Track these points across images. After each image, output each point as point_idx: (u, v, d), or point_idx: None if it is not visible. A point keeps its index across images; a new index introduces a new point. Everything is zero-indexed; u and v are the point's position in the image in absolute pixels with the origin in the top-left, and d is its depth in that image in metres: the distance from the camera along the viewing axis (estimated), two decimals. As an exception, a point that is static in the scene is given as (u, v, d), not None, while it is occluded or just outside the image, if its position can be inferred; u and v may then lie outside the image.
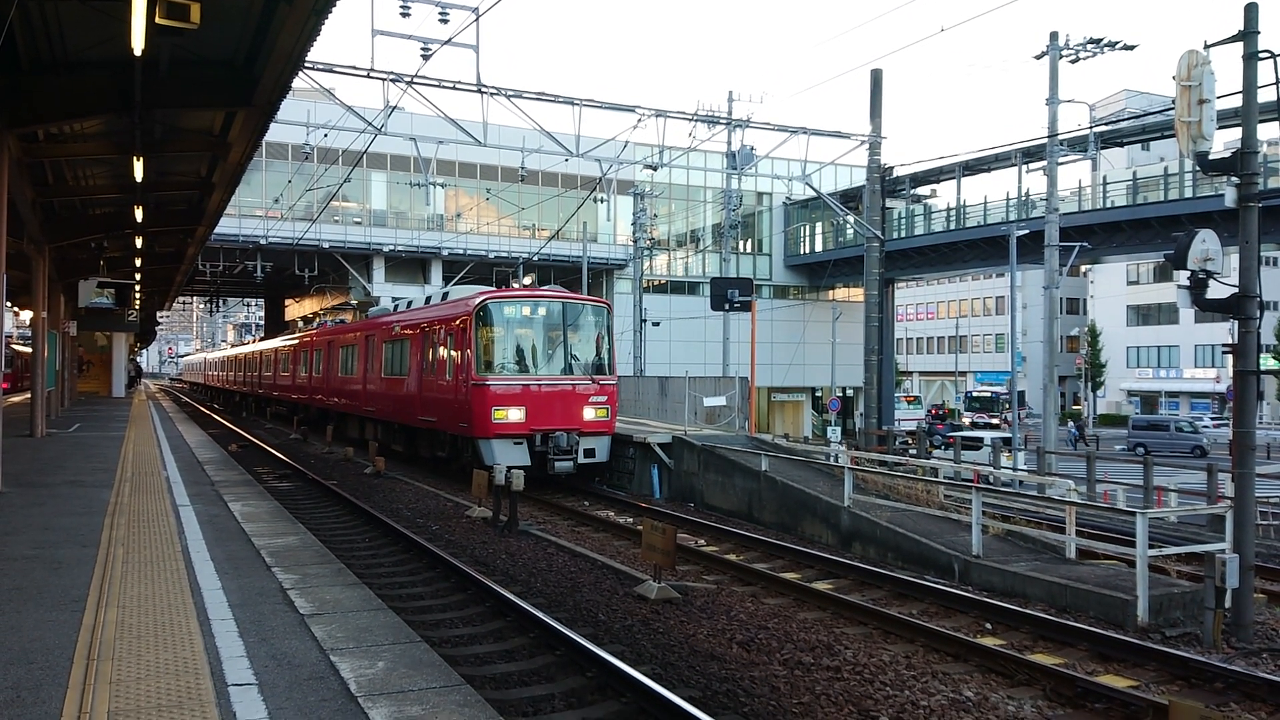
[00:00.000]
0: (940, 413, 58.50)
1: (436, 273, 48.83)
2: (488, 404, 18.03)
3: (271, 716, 4.68)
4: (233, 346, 70.50)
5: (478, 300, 18.85)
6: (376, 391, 25.40)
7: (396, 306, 27.25)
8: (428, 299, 24.34)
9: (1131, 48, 28.25)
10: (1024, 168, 38.79)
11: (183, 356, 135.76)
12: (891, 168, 39.02)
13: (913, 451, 29.68)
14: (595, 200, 40.38)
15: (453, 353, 19.55)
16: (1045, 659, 8.68)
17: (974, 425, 47.10)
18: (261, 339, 56.80)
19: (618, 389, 20.31)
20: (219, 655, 5.62)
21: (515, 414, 18.14)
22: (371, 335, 26.42)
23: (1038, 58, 28.60)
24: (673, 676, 7.83)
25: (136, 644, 5.80)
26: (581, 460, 18.72)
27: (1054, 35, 28.12)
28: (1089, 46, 28.08)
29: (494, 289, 22.13)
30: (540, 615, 8.92)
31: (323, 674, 5.37)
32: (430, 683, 5.30)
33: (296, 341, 38.70)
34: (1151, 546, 10.70)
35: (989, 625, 10.00)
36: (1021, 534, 13.36)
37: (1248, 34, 10.52)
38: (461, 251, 48.78)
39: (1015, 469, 24.79)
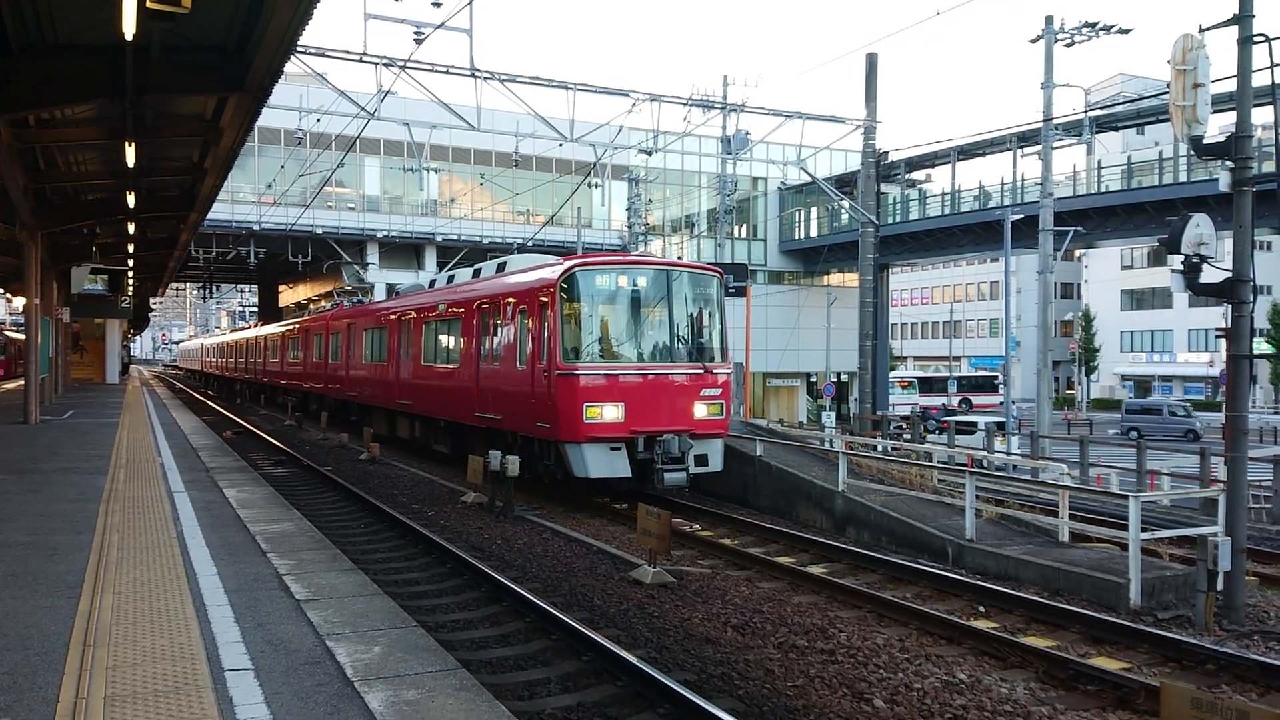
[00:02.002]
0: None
1: (431, 258, 48.72)
2: (577, 399, 14.44)
3: (268, 701, 4.70)
4: (235, 331, 63.69)
5: (563, 269, 15.06)
6: (413, 382, 21.86)
7: (434, 283, 24.04)
8: (476, 272, 20.64)
9: (1127, 31, 28.22)
10: (1019, 152, 38.75)
11: (178, 343, 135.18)
12: (886, 152, 38.96)
13: (907, 436, 29.76)
14: (590, 185, 40.30)
15: (527, 335, 15.80)
16: (1038, 641, 8.73)
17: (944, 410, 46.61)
18: (262, 323, 53.72)
19: (731, 380, 16.60)
20: (215, 641, 5.64)
21: (612, 412, 14.58)
22: (405, 316, 22.89)
23: (1033, 41, 28.56)
24: (668, 660, 7.87)
25: (132, 630, 5.81)
26: (694, 469, 15.13)
27: (1049, 19, 28.06)
28: (1084, 30, 28.03)
29: (579, 254, 19.10)
30: (536, 600, 8.95)
31: (319, 659, 5.39)
32: (426, 667, 5.32)
33: (311, 324, 35.05)
34: (1144, 530, 10.75)
35: (982, 608, 10.05)
36: (1015, 518, 13.41)
37: (1242, 18, 10.50)
38: (456, 237, 48.65)
39: (1009, 453, 24.87)
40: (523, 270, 17.26)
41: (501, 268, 18.98)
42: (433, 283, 23.70)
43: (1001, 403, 63.70)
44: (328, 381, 31.10)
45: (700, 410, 15.27)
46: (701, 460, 15.25)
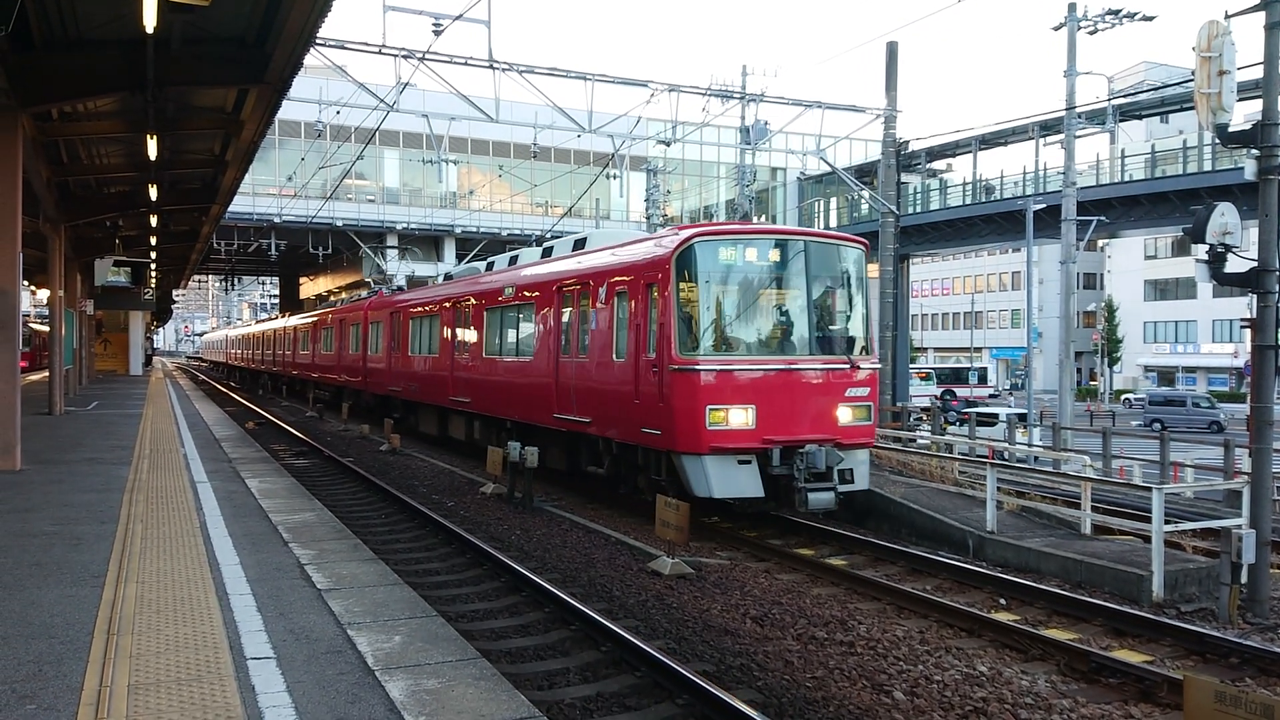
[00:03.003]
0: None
1: (450, 250, 48.89)
2: (698, 401, 11.88)
3: (290, 690, 4.73)
4: (263, 321, 59.50)
5: (679, 241, 12.46)
6: (472, 378, 19.34)
7: (492, 265, 21.31)
8: (547, 251, 18.12)
9: (1151, 19, 27.89)
10: (1041, 141, 38.45)
11: (200, 334, 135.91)
12: (907, 142, 38.71)
13: (926, 428, 29.63)
14: (608, 176, 40.29)
15: (628, 322, 13.21)
16: (1059, 634, 8.68)
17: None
18: (288, 314, 51.49)
19: (877, 376, 13.66)
20: (237, 629, 5.68)
21: (740, 416, 12.01)
22: (462, 302, 20.40)
23: (1055, 29, 28.27)
24: (686, 651, 7.87)
25: (156, 618, 5.86)
26: (840, 488, 12.46)
27: (1072, 6, 27.77)
28: (1108, 18, 27.73)
29: (698, 224, 16.47)
30: (555, 590, 8.97)
31: (340, 648, 5.42)
32: (446, 656, 5.34)
33: (346, 314, 32.22)
34: (1167, 522, 10.66)
35: (1003, 600, 10.00)
36: (1036, 510, 13.32)
37: (1270, 3, 10.35)
38: (475, 229, 48.77)
39: (1030, 445, 24.72)
40: (614, 246, 14.69)
41: (580, 244, 16.59)
42: (490, 265, 21.09)
43: (993, 394, 63.82)
44: (366, 376, 28.57)
45: (844, 414, 12.65)
46: (846, 477, 12.49)
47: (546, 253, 17.91)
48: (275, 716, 4.41)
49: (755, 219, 52.66)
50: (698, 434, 11.89)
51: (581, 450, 15.02)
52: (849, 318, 13.37)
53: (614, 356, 13.56)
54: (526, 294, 16.89)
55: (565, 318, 15.27)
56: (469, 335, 19.69)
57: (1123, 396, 63.53)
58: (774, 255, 12.84)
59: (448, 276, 24.37)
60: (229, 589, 6.60)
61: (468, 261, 38.99)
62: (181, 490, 10.95)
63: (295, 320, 42.34)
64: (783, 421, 12.24)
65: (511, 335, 17.65)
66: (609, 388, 13.66)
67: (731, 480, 12.05)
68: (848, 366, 12.78)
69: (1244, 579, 9.76)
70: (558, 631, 8.28)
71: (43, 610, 6.02)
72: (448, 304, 21.28)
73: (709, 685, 6.54)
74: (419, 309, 23.57)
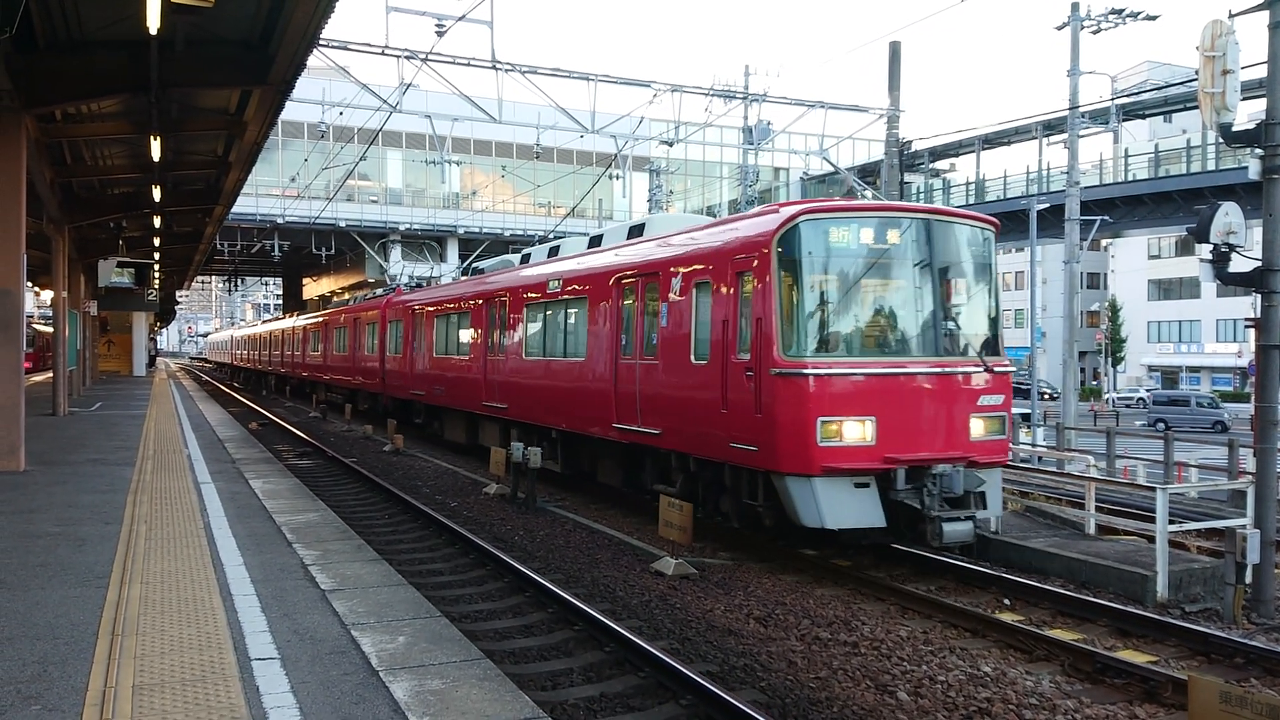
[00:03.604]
0: None
1: (453, 251, 48.93)
2: (808, 411, 9.94)
3: (294, 690, 4.74)
4: (271, 320, 57.01)
5: (781, 220, 10.46)
6: (510, 381, 17.44)
7: (528, 257, 19.09)
8: (595, 240, 16.10)
9: (1154, 18, 27.87)
10: (1044, 141, 38.43)
11: (204, 335, 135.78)
12: (910, 141, 38.61)
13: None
14: (611, 177, 40.32)
15: (713, 317, 11.30)
16: (1064, 634, 8.66)
17: None
18: (295, 314, 49.50)
19: (1011, 381, 11.48)
20: (242, 630, 5.69)
21: (856, 430, 10.06)
22: (495, 298, 18.47)
23: (1059, 29, 28.26)
24: (690, 651, 7.87)
25: (160, 619, 5.87)
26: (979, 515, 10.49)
27: (1075, 5, 27.75)
28: (1111, 17, 27.70)
29: (798, 200, 14.34)
30: (558, 591, 8.97)
31: (344, 648, 5.43)
32: (450, 657, 5.34)
33: (361, 312, 30.37)
34: (1172, 522, 10.64)
35: (1007, 601, 9.98)
36: (1040, 509, 13.30)
37: (1273, 3, 10.33)
38: (478, 230, 48.80)
39: (1034, 445, 24.69)
40: (687, 230, 12.89)
41: (637, 231, 14.65)
42: (526, 257, 19.13)
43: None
44: (385, 378, 26.67)
45: (976, 427, 10.69)
46: (979, 501, 10.46)
47: (595, 242, 16.02)
48: (280, 717, 4.41)
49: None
50: (807, 452, 9.92)
51: (646, 466, 13.27)
52: (980, 311, 11.39)
53: (691, 358, 11.69)
54: (577, 287, 14.97)
55: (626, 314, 13.46)
56: (506, 334, 17.78)
57: (1110, 396, 63.25)
58: (893, 236, 10.85)
59: (477, 271, 22.00)
60: (233, 590, 6.61)
61: (471, 261, 38.98)
62: (185, 491, 10.96)
63: (306, 320, 40.53)
64: (907, 436, 10.24)
65: (558, 334, 15.75)
66: (686, 395, 11.81)
67: (847, 508, 10.03)
68: (981, 369, 10.82)
69: (1249, 579, 9.74)
70: (561, 632, 8.28)
71: (47, 611, 6.03)
72: (480, 300, 19.34)
73: (712, 685, 6.53)
74: (446, 306, 21.70)
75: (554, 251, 17.55)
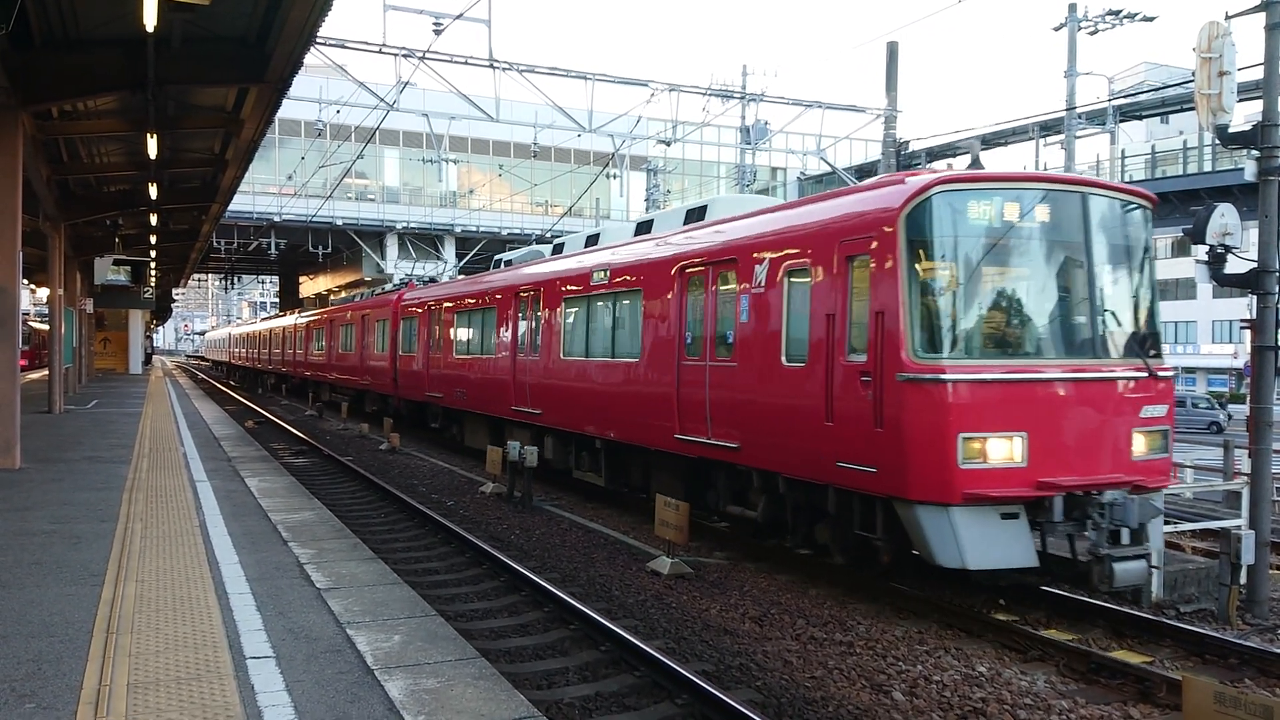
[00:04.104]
0: None
1: (450, 249, 48.91)
2: (948, 425, 8.26)
3: (289, 689, 4.73)
4: (272, 318, 53.78)
5: (909, 193, 8.72)
6: (547, 383, 15.67)
7: (561, 247, 17.56)
8: (643, 226, 14.53)
9: (1151, 19, 27.94)
10: (1041, 141, 38.46)
11: (201, 333, 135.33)
12: (907, 142, 38.66)
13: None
14: (608, 176, 40.30)
15: (812, 311, 9.57)
16: (1059, 635, 8.68)
17: None
18: (295, 311, 47.26)
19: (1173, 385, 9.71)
20: (237, 628, 5.68)
21: (1004, 448, 8.38)
22: (529, 292, 16.59)
23: (1056, 29, 28.32)
24: (685, 651, 7.88)
25: (155, 617, 5.86)
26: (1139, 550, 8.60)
27: (1073, 6, 27.81)
28: (1108, 18, 27.78)
29: (928, 169, 12.73)
30: (554, 590, 8.97)
31: (339, 647, 5.42)
32: (445, 656, 5.34)
33: (370, 309, 28.47)
34: (1167, 523, 10.66)
35: (1002, 601, 9.99)
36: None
37: (1270, 4, 10.35)
38: (475, 228, 48.77)
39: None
40: (769, 210, 11.20)
41: (697, 215, 12.95)
42: (559, 247, 17.62)
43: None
44: (398, 379, 24.86)
45: (1139, 444, 8.97)
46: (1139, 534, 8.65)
47: (643, 228, 14.45)
48: (275, 715, 4.41)
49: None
50: (945, 475, 8.21)
51: (717, 483, 11.62)
52: (1140, 303, 9.54)
53: (782, 359, 9.97)
54: (628, 278, 13.28)
55: (692, 308, 11.83)
56: (540, 332, 16.01)
57: None
58: (1043, 213, 9.03)
59: (506, 263, 20.05)
60: (228, 588, 6.61)
61: (468, 260, 38.93)
62: (181, 489, 10.95)
63: (310, 317, 38.44)
64: (1063, 456, 8.55)
65: (604, 331, 14.11)
66: (774, 403, 10.07)
67: (993, 544, 8.30)
68: (1145, 374, 9.08)
69: (1243, 580, 9.76)
70: (557, 631, 8.29)
71: (42, 609, 6.02)
72: (508, 294, 17.49)
73: (708, 685, 6.54)
74: (468, 302, 19.93)
75: (592, 240, 16.01)
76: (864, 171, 45.39)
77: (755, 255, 10.58)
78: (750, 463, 10.58)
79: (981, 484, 8.25)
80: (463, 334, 20.26)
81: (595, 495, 15.62)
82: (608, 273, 13.94)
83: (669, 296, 12.23)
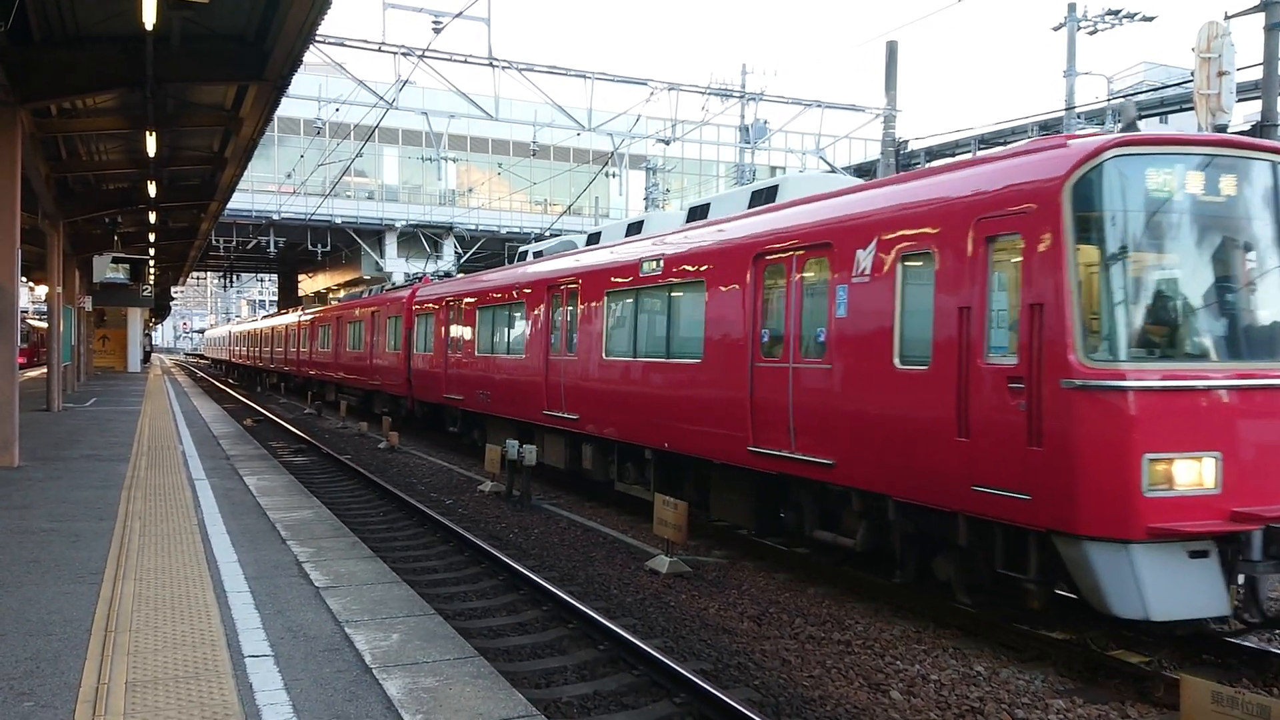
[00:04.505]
0: None
1: (449, 248, 48.91)
2: (1131, 444, 6.89)
3: (288, 688, 4.74)
4: (275, 315, 51.32)
5: (1080, 157, 7.24)
6: (587, 386, 14.22)
7: (597, 237, 16.08)
8: (697, 211, 13.02)
9: (1150, 19, 27.95)
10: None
11: (200, 331, 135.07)
12: (906, 141, 38.71)
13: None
14: (607, 175, 40.28)
15: (937, 302, 8.12)
16: (1057, 634, 8.68)
17: None
18: (298, 309, 45.01)
19: None
20: (235, 627, 5.68)
21: (1192, 472, 7.00)
22: (565, 286, 15.12)
23: (1055, 29, 28.31)
24: (684, 649, 7.88)
25: (154, 616, 5.86)
26: None
27: (1072, 6, 27.80)
28: (1107, 18, 27.78)
29: (1094, 131, 10.92)
30: (553, 589, 8.97)
31: (338, 646, 5.43)
32: (444, 655, 5.35)
33: (381, 305, 26.86)
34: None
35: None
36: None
37: (1270, 4, 10.38)
38: (474, 227, 48.76)
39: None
40: (866, 187, 9.90)
41: (765, 196, 11.55)
42: (595, 237, 16.13)
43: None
44: (411, 380, 23.52)
45: None
46: None
47: (698, 214, 12.85)
48: (273, 714, 4.41)
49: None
50: (1126, 505, 6.84)
51: (800, 503, 10.13)
52: None
53: (895, 361, 8.46)
54: (688, 268, 11.82)
55: (769, 300, 10.36)
56: (578, 329, 14.52)
57: None
58: (1230, 185, 7.52)
59: (535, 254, 18.39)
60: (227, 586, 6.61)
61: (467, 258, 38.90)
62: (179, 487, 10.95)
63: (315, 314, 37.07)
64: (1263, 480, 7.18)
65: (657, 329, 12.64)
66: (883, 412, 8.60)
67: (1181, 589, 7.01)
68: None
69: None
70: (555, 630, 8.29)
71: (40, 607, 6.02)
72: (540, 288, 16.05)
73: (706, 684, 6.54)
74: (493, 296, 18.42)
75: (635, 229, 14.57)
76: (863, 171, 45.38)
77: (856, 238, 9.04)
78: (848, 482, 9.08)
79: (1170, 516, 6.86)
80: (486, 331, 18.77)
81: (594, 494, 15.60)
82: (660, 263, 12.44)
83: (740, 289, 10.69)
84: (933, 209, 8.33)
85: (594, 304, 14.15)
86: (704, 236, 11.87)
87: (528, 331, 16.51)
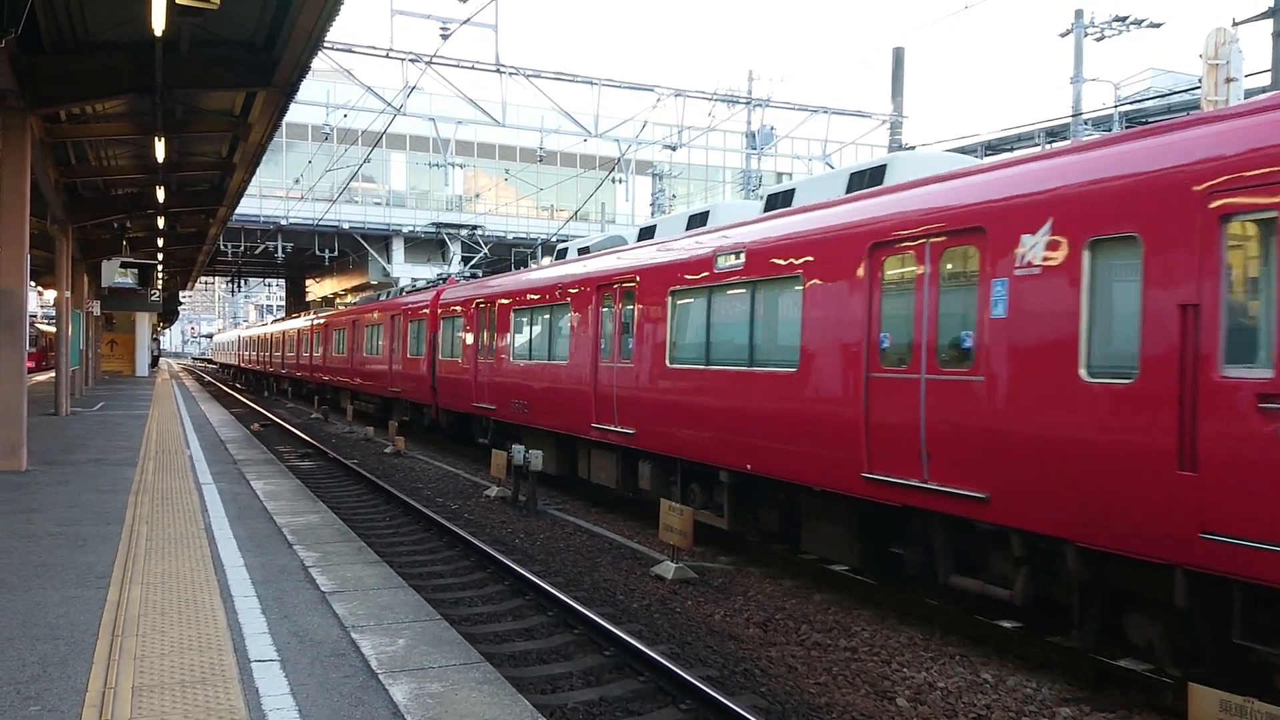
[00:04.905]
0: None
1: (455, 254, 49.02)
2: None
3: (294, 693, 4.74)
4: (288, 319, 49.25)
5: None
6: (649, 397, 12.54)
7: (650, 231, 14.26)
8: (779, 198, 11.44)
9: (1158, 26, 27.91)
10: (1047, 147, 38.38)
11: (208, 336, 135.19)
12: (913, 147, 38.72)
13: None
14: (614, 181, 40.32)
15: (1145, 303, 6.50)
16: (1063, 641, 8.65)
17: None
18: (310, 313, 43.08)
19: None
20: (242, 632, 5.69)
21: None
22: (621, 284, 13.48)
23: (1063, 36, 28.28)
24: (690, 656, 7.87)
25: (160, 620, 5.87)
26: None
27: (1079, 13, 27.77)
28: (1114, 24, 27.73)
29: None
30: (559, 594, 8.97)
31: (344, 651, 5.43)
32: (450, 660, 5.35)
33: (405, 309, 25.16)
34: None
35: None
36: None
37: (1277, 11, 10.36)
38: (481, 232, 48.85)
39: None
40: (1049, 155, 7.73)
41: (868, 177, 10.14)
42: (648, 231, 14.32)
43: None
44: (438, 387, 21.99)
45: None
46: None
47: (779, 200, 11.36)
48: (279, 719, 4.41)
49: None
50: None
51: (932, 542, 8.55)
52: None
53: (1081, 371, 6.90)
54: (779, 262, 10.22)
55: (891, 298, 8.75)
56: (636, 333, 12.98)
57: None
58: None
59: (582, 251, 16.61)
60: (233, 591, 6.61)
61: (472, 265, 38.93)
62: (187, 492, 10.97)
63: (329, 317, 35.58)
64: None
65: (738, 331, 10.97)
66: (1062, 435, 7.00)
67: None
68: None
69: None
70: (561, 635, 8.28)
71: (47, 611, 6.03)
72: (588, 287, 14.42)
73: (712, 690, 6.53)
74: (531, 297, 16.77)
75: (699, 220, 13.03)
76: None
77: (1022, 221, 7.48)
78: (1008, 521, 7.49)
79: None
80: (524, 335, 17.18)
81: (600, 501, 15.60)
82: (741, 256, 10.88)
83: (850, 285, 9.12)
84: (1134, 183, 6.73)
85: (656, 304, 12.56)
86: (796, 225, 10.19)
87: (574, 335, 14.92)
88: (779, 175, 54.19)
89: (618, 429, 13.20)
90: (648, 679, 7.11)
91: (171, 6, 9.36)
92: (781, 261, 10.16)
